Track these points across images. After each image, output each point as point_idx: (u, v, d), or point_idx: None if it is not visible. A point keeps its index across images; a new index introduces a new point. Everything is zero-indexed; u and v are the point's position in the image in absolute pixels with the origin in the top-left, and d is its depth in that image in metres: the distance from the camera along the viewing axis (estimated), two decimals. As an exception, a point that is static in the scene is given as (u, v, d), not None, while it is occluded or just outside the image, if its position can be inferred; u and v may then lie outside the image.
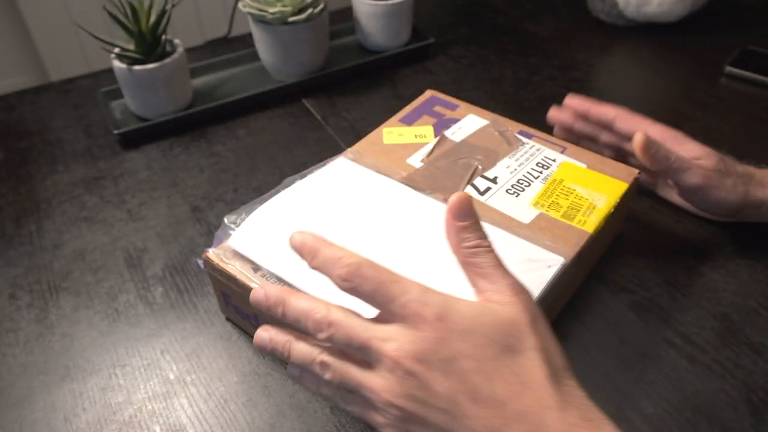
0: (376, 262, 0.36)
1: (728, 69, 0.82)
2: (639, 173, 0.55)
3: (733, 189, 0.54)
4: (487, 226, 0.50)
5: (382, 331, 0.35)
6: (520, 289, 0.36)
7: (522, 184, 0.54)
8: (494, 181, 0.54)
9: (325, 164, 0.56)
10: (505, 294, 0.36)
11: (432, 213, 0.51)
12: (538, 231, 0.50)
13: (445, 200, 0.52)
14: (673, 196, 0.61)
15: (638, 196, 0.64)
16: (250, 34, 0.82)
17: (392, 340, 0.34)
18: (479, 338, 0.33)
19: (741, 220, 0.57)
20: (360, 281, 0.35)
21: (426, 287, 0.35)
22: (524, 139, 0.58)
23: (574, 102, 0.62)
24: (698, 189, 0.54)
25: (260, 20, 0.76)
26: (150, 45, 0.71)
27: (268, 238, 0.49)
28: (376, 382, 0.35)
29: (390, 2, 0.83)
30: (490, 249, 0.37)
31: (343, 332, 0.35)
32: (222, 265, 0.48)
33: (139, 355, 0.52)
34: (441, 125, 0.61)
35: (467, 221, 0.37)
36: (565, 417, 0.33)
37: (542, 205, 0.52)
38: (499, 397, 0.33)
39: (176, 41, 0.75)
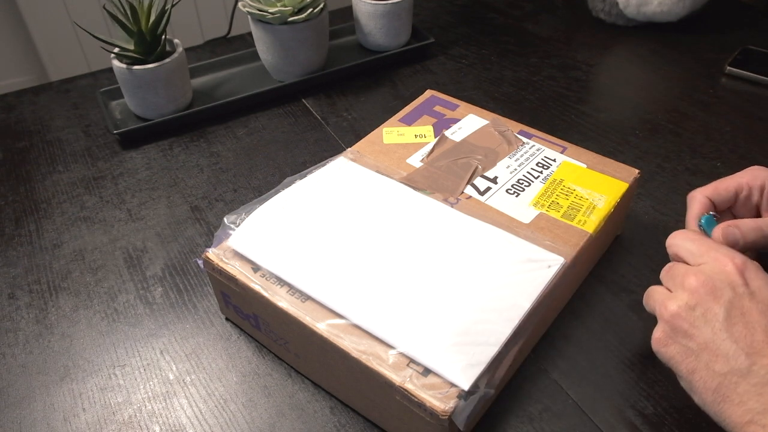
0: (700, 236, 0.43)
1: (728, 69, 0.82)
2: (639, 173, 0.55)
3: None
4: (487, 226, 0.50)
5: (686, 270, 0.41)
6: None
7: (522, 184, 0.54)
8: (494, 181, 0.54)
9: (325, 164, 0.56)
10: None
11: (431, 213, 0.51)
12: (538, 231, 0.50)
13: (445, 200, 0.52)
14: None
15: (638, 196, 0.64)
16: (250, 34, 0.82)
17: (689, 275, 0.41)
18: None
19: None
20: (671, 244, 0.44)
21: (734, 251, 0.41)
22: (524, 139, 0.58)
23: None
24: None
25: (260, 20, 0.76)
26: (150, 45, 0.71)
27: (268, 238, 0.49)
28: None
29: (390, 2, 0.83)
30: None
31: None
32: (222, 265, 0.48)
33: (139, 355, 0.51)
34: (441, 125, 0.60)
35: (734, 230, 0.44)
36: None
37: (542, 205, 0.52)
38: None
39: (176, 41, 0.75)
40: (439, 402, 0.38)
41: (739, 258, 0.40)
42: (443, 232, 0.49)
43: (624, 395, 0.47)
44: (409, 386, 0.39)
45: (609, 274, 0.56)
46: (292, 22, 0.76)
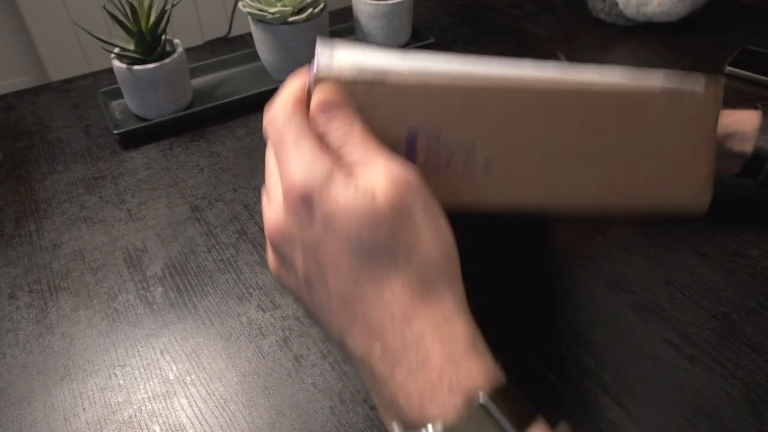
0: (298, 119, 0.32)
1: (728, 69, 0.82)
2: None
3: None
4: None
5: (272, 193, 0.33)
6: (397, 173, 0.31)
7: None
8: None
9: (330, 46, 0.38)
10: (378, 179, 0.30)
11: (533, 66, 0.39)
12: None
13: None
14: None
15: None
16: (250, 34, 0.82)
17: (269, 206, 0.33)
18: (341, 230, 0.30)
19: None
20: (270, 131, 0.33)
21: (316, 154, 0.31)
22: None
23: None
24: None
25: (260, 20, 0.76)
26: (150, 45, 0.71)
27: (377, 56, 0.36)
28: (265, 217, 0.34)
29: (390, 2, 0.83)
30: (361, 132, 0.32)
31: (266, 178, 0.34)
32: (351, 76, 0.34)
33: (139, 355, 0.52)
34: None
35: (334, 112, 0.33)
36: (409, 332, 0.30)
37: None
38: (350, 299, 0.30)
39: (176, 41, 0.75)
40: (701, 87, 0.36)
41: (306, 174, 0.30)
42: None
43: (624, 395, 0.47)
44: (669, 85, 0.35)
45: (609, 274, 0.56)
46: (292, 22, 0.76)
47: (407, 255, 0.30)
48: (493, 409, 0.29)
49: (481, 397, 0.29)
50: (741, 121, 0.54)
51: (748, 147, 0.53)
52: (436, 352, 0.30)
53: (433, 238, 0.31)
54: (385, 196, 0.30)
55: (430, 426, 0.29)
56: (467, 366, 0.30)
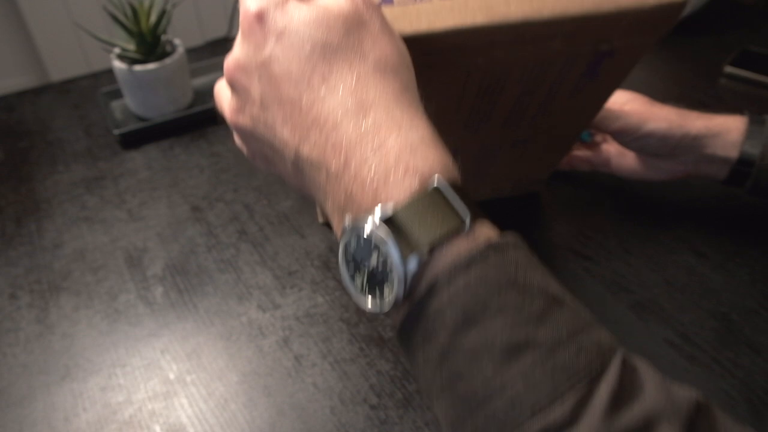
0: None
1: (728, 69, 0.82)
2: None
3: (666, 118, 0.55)
4: None
5: (237, 40, 0.33)
6: None
7: None
8: None
9: None
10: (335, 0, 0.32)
11: None
12: None
13: None
14: (625, 163, 0.61)
15: (637, 197, 0.64)
16: (250, 34, 0.82)
17: (233, 48, 0.33)
18: (293, 38, 0.30)
19: (688, 171, 0.57)
20: None
21: None
22: None
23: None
24: (627, 129, 0.56)
25: (260, 20, 0.76)
26: (150, 45, 0.71)
27: None
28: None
29: (390, 2, 0.83)
30: None
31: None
32: None
33: (139, 354, 0.52)
34: None
35: None
36: (364, 122, 0.29)
37: None
38: (305, 104, 0.30)
39: (176, 41, 0.75)
40: None
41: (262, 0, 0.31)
42: None
43: (624, 395, 0.47)
44: None
45: (609, 274, 0.56)
46: (293, 23, 0.76)
47: (363, 56, 0.30)
48: (448, 193, 0.28)
49: (436, 180, 0.28)
50: (725, 124, 0.54)
51: (733, 153, 0.53)
52: (392, 139, 0.29)
53: (390, 47, 0.31)
54: (339, 5, 0.31)
55: (380, 206, 0.28)
56: (424, 153, 0.29)
